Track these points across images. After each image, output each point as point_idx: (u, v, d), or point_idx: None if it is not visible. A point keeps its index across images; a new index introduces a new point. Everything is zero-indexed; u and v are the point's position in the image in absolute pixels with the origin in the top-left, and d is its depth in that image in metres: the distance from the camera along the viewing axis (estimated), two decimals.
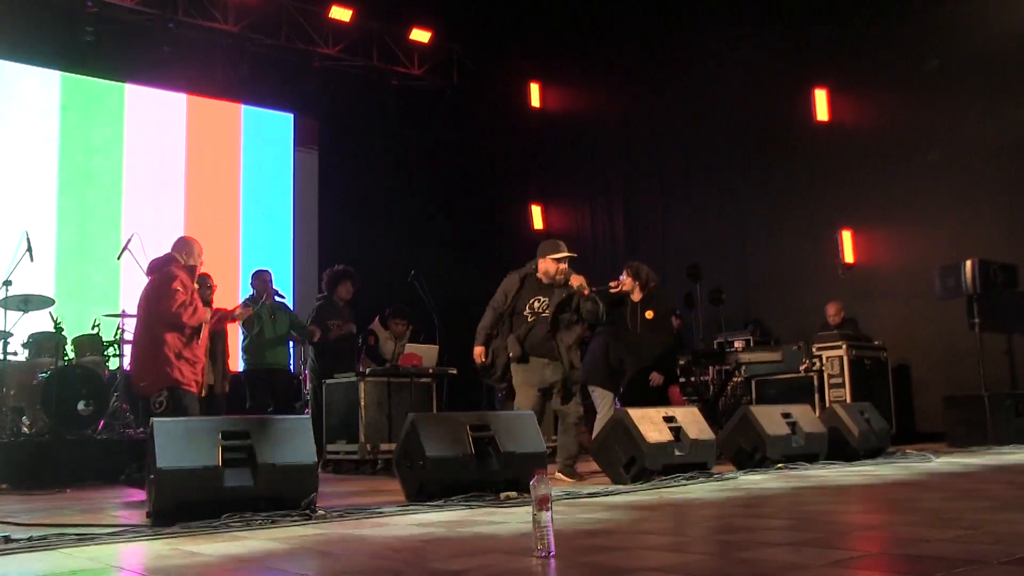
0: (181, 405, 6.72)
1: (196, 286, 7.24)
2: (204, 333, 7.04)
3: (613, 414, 6.90)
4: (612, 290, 8.34)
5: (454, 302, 11.07)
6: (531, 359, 7.26)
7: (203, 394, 7.11)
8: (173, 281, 6.81)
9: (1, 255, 9.65)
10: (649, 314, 8.32)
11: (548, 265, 7.34)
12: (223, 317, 7.88)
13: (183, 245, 7.16)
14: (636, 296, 8.42)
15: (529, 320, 7.29)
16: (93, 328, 10.18)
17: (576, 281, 7.27)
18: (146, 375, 6.88)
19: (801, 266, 12.53)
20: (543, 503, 3.16)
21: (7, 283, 8.85)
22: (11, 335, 9.09)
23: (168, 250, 7.19)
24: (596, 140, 15.16)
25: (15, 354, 9.31)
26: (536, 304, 7.32)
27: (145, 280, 7.22)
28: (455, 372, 9.62)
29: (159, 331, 6.81)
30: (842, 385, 10.40)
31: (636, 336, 8.33)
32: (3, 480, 7.83)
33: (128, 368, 8.23)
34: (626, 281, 8.42)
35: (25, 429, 8.82)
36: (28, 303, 9.21)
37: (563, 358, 7.25)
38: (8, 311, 9.01)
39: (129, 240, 8.79)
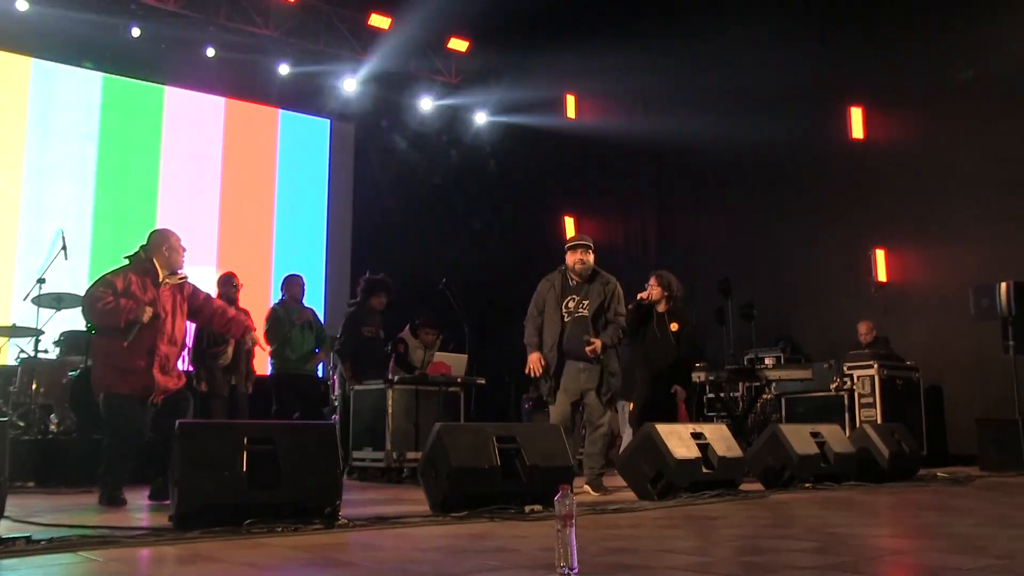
0: (111, 409, 6.14)
1: (171, 279, 6.47)
2: (156, 334, 6.25)
3: (641, 429, 6.81)
4: (640, 298, 8.24)
5: (485, 312, 11.05)
6: (566, 362, 7.19)
7: (155, 399, 6.26)
8: (97, 287, 6.23)
9: (37, 253, 9.70)
10: (674, 326, 8.19)
11: (568, 258, 7.33)
12: (236, 330, 6.85)
13: (150, 237, 6.57)
14: (662, 307, 8.29)
15: (565, 320, 7.20)
16: None
17: (589, 349, 7.12)
18: (93, 378, 6.40)
19: (833, 283, 12.44)
20: (567, 520, 3.10)
21: (41, 281, 8.91)
22: (43, 333, 9.14)
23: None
24: (630, 153, 15.11)
25: (46, 352, 9.34)
26: (571, 304, 7.24)
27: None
28: (483, 382, 9.57)
29: (92, 337, 6.45)
30: (873, 405, 10.28)
31: (661, 347, 8.18)
32: (29, 478, 7.86)
33: None
34: (654, 290, 8.26)
35: (53, 427, 8.84)
36: (61, 301, 9.24)
37: (600, 361, 7.15)
38: (41, 308, 9.05)
39: (63, 240, 8.74)
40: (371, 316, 9.71)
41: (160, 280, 6.40)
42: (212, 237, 13.32)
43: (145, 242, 6.54)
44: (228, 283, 9.36)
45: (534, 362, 7.20)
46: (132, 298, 6.20)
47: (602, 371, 7.16)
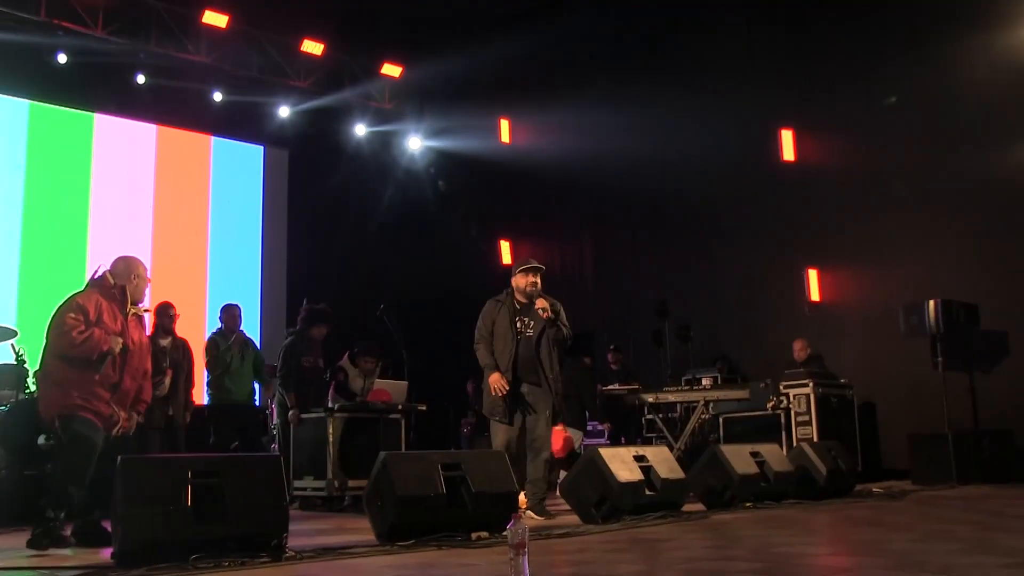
0: (75, 433, 5.73)
1: (134, 310, 6.18)
2: (123, 365, 5.98)
3: (584, 453, 6.85)
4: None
5: (423, 338, 11.04)
6: (522, 385, 7.20)
7: (114, 432, 5.92)
8: (63, 309, 5.89)
9: None
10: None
11: (519, 280, 7.34)
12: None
13: (118, 264, 6.21)
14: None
15: (512, 342, 7.21)
16: None
17: (539, 304, 7.21)
18: (41, 401, 6.02)
19: (768, 303, 12.62)
20: (520, 548, 3.13)
21: None
22: None
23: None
24: (565, 176, 15.19)
25: None
26: (519, 324, 7.26)
27: None
28: (424, 408, 9.57)
29: (48, 360, 5.94)
30: (809, 423, 10.41)
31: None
32: None
33: None
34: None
35: None
36: None
37: (548, 384, 7.16)
38: None
39: None
40: (310, 345, 9.64)
41: (127, 310, 6.10)
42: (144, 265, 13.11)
43: (110, 267, 6.19)
44: (164, 313, 9.23)
45: (497, 381, 7.13)
46: (104, 328, 5.88)
47: (552, 394, 7.20)
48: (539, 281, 7.34)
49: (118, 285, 6.08)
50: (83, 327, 5.79)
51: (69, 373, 5.82)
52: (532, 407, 7.17)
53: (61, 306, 5.95)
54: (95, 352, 5.79)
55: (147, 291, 6.32)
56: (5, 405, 8.85)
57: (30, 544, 5.54)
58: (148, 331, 6.54)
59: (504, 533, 3.23)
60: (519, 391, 7.18)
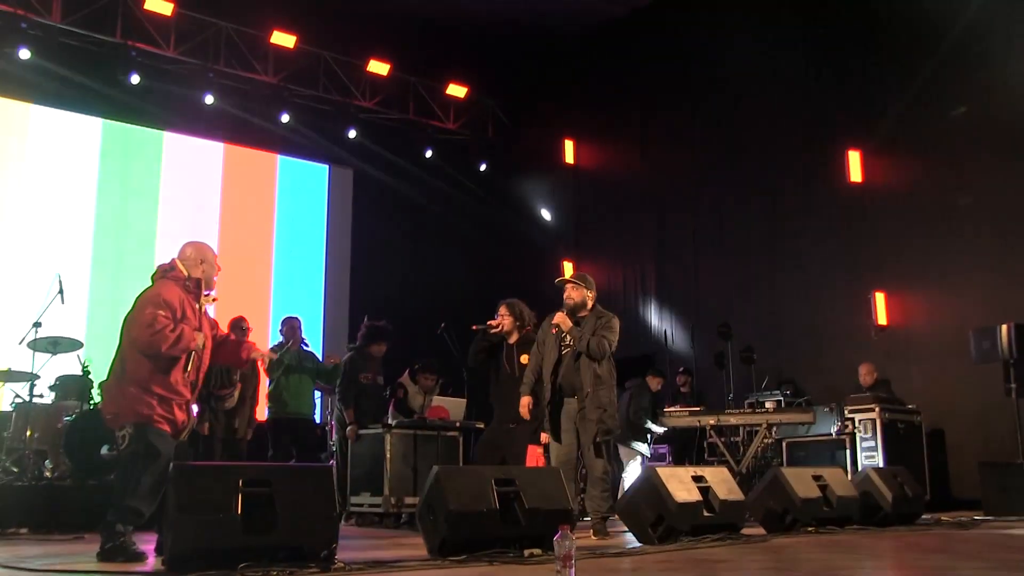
0: (149, 445, 5.39)
1: (204, 300, 5.87)
2: (199, 364, 5.75)
3: (641, 472, 6.74)
4: (492, 330, 7.77)
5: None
6: (564, 400, 7.12)
7: (183, 437, 5.70)
8: (148, 305, 5.55)
9: (34, 298, 9.67)
10: (525, 359, 7.58)
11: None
12: (240, 352, 6.17)
13: (187, 249, 5.90)
14: (513, 338, 7.78)
15: (562, 354, 7.14)
16: None
17: (555, 319, 7.18)
18: (111, 406, 5.68)
19: (834, 326, 12.40)
20: (567, 560, 3.05)
21: (37, 325, 8.85)
22: (38, 377, 9.07)
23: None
24: (628, 197, 15.15)
25: (41, 396, 9.27)
26: (566, 339, 7.17)
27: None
28: (482, 426, 9.50)
29: (128, 357, 5.59)
30: (875, 449, 10.18)
31: (512, 382, 7.54)
32: (22, 524, 7.73)
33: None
34: (505, 320, 7.78)
35: (47, 473, 8.75)
36: (57, 345, 9.20)
37: (588, 400, 6.98)
38: (37, 353, 9.00)
39: (60, 284, 8.69)
40: (369, 362, 9.63)
41: (201, 301, 5.81)
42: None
43: (179, 254, 5.88)
44: (238, 327, 9.32)
45: (523, 407, 7.14)
46: (188, 323, 5.60)
47: (597, 409, 7.00)
48: (573, 294, 7.26)
49: (192, 276, 5.79)
50: (172, 324, 5.50)
51: (153, 375, 5.51)
52: (576, 424, 7.06)
53: (142, 302, 5.61)
54: (183, 351, 5.53)
55: (216, 279, 5.95)
56: (71, 415, 8.99)
57: (100, 557, 5.26)
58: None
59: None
60: (562, 407, 7.13)
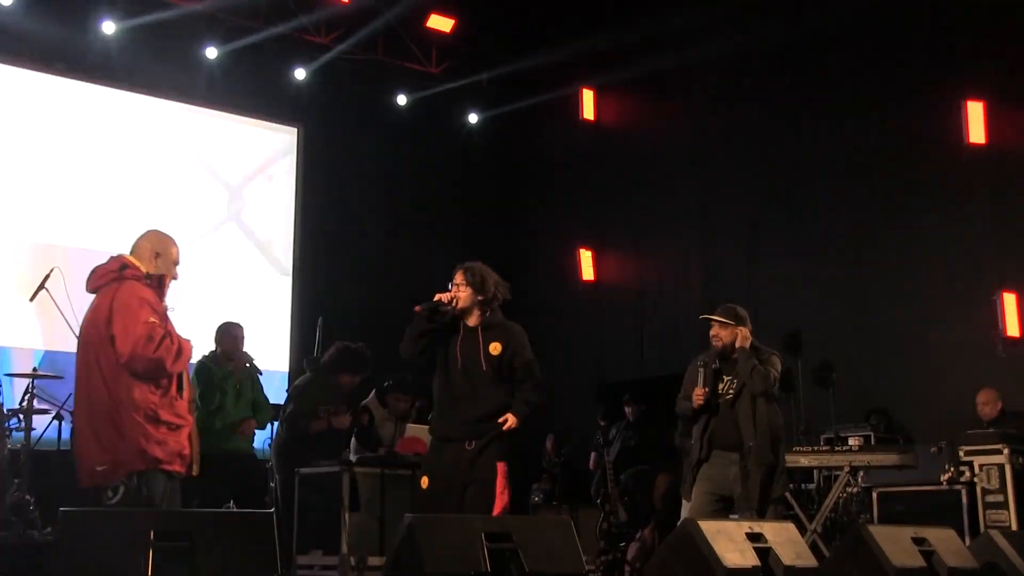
0: (149, 495, 5.68)
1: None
2: (186, 381, 6.09)
3: (679, 526, 6.81)
4: (443, 308, 7.17)
5: None
6: (713, 453, 7.69)
7: (195, 472, 6.03)
8: (141, 306, 5.82)
9: None
10: (494, 348, 7.13)
11: None
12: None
13: (147, 241, 6.16)
14: (472, 318, 7.22)
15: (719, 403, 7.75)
16: None
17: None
18: (105, 454, 5.80)
19: (943, 338, 12.38)
20: None
21: None
22: None
23: (118, 252, 6.18)
24: (666, 164, 15.17)
25: None
26: (720, 387, 7.77)
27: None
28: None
29: (121, 384, 5.76)
30: (1004, 504, 10.17)
31: (470, 382, 7.10)
32: None
33: (71, 445, 7.24)
34: (461, 292, 7.14)
35: None
36: None
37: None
38: None
39: (47, 276, 8.85)
40: (332, 393, 9.73)
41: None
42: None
43: (132, 250, 6.18)
44: None
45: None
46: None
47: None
48: (720, 333, 7.89)
49: (154, 275, 6.09)
50: (166, 333, 5.84)
51: (150, 401, 5.80)
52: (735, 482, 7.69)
53: (124, 309, 5.84)
54: (186, 365, 5.95)
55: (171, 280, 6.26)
56: None
57: None
58: None
59: None
60: (719, 458, 7.77)
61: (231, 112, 15.16)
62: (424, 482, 7.10)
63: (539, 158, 16.57)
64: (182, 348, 5.79)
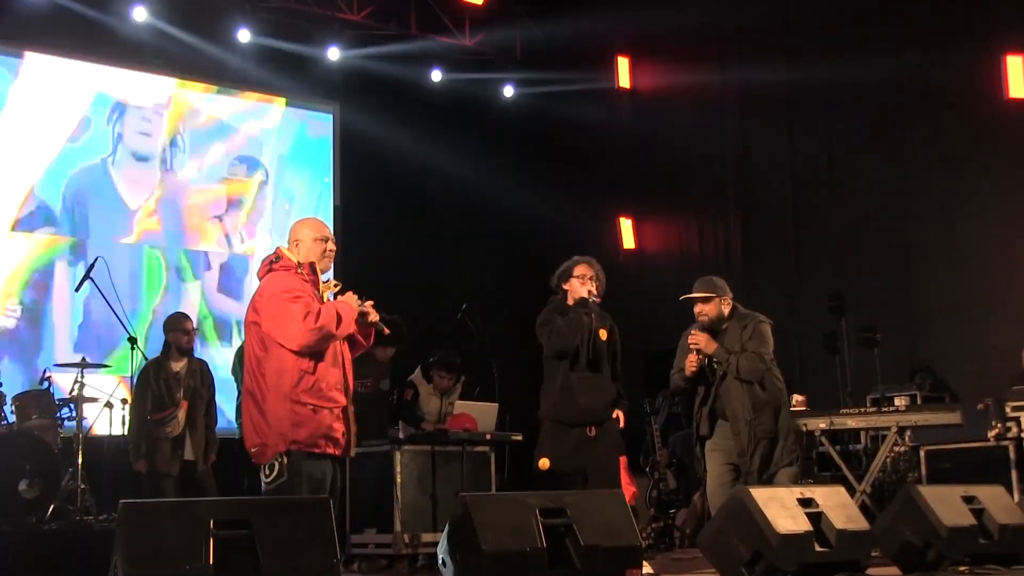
0: (298, 476, 5.86)
1: (323, 288, 6.37)
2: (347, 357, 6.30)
3: (732, 493, 6.83)
4: (593, 298, 7.84)
5: (519, 347, 11.02)
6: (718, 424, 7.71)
7: (351, 454, 6.28)
8: (276, 293, 6.07)
9: None
10: (603, 334, 7.76)
11: None
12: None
13: (291, 232, 6.42)
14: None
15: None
16: (42, 383, 10.28)
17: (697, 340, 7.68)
18: (255, 436, 6.00)
19: (989, 294, 12.30)
20: None
21: None
22: None
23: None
24: (703, 127, 15.08)
25: None
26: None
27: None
28: (520, 439, 9.58)
29: (265, 367, 6.00)
30: None
31: (593, 370, 7.73)
32: None
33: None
34: (593, 284, 7.90)
35: None
36: None
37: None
38: None
39: (92, 266, 8.92)
40: (369, 366, 9.73)
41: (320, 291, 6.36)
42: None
43: (288, 240, 6.43)
44: (177, 326, 9.53)
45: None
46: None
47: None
48: (704, 308, 7.78)
49: (304, 263, 6.29)
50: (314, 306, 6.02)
51: (289, 381, 5.98)
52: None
53: (266, 298, 6.11)
54: (348, 330, 6.14)
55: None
56: None
57: None
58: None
59: None
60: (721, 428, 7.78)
61: (265, 93, 15.14)
62: (544, 463, 7.47)
63: (576, 128, 16.47)
64: (320, 316, 5.94)
